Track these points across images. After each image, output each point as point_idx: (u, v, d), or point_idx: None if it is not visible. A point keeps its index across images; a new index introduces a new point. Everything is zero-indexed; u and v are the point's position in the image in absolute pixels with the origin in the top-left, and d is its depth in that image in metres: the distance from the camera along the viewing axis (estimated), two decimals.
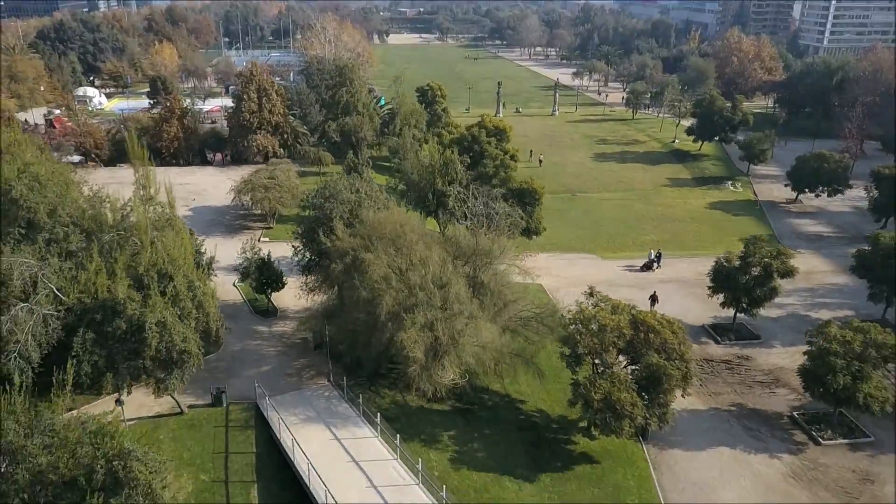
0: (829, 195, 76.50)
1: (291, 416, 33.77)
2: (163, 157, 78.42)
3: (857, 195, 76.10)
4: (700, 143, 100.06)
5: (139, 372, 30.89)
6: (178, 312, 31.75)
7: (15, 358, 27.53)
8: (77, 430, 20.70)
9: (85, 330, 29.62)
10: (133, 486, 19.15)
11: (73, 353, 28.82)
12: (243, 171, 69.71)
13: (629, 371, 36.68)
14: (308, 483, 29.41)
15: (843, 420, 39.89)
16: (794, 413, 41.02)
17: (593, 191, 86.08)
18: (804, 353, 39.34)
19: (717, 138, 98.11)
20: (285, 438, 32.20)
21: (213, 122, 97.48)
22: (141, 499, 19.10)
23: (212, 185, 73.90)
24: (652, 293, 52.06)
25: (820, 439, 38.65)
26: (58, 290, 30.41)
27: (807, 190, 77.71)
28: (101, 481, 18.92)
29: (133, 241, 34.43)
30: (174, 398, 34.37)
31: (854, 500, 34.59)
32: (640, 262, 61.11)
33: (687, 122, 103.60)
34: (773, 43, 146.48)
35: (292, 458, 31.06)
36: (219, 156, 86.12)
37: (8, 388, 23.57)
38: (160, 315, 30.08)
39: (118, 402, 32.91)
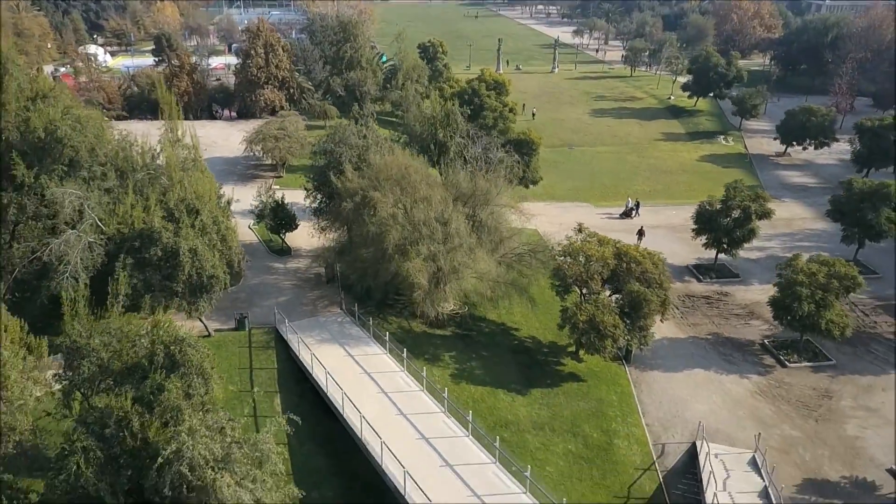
0: (815, 148, 79.50)
1: (308, 338, 37.50)
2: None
3: (843, 148, 78.98)
4: (695, 99, 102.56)
5: (172, 295, 34.47)
6: (206, 242, 35.26)
7: (67, 277, 31.16)
8: (136, 325, 24.43)
9: (125, 256, 33.14)
10: (188, 366, 22.94)
11: (115, 276, 32.38)
12: (252, 125, 72.65)
13: (613, 299, 40.46)
14: (326, 390, 33.29)
15: (808, 346, 43.79)
16: (765, 340, 44.95)
17: (589, 145, 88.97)
18: (774, 285, 43.06)
19: (711, 94, 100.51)
20: (304, 355, 36.03)
21: (218, 80, 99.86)
22: (195, 377, 22.91)
23: (222, 138, 76.86)
24: (639, 228, 56.03)
25: (786, 362, 42.61)
26: (99, 220, 33.92)
27: (795, 143, 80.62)
28: (161, 363, 22.69)
29: (162, 179, 37.80)
30: (202, 321, 38.11)
31: (812, 413, 38.64)
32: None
33: (683, 79, 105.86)
34: (773, 1, 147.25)
35: (311, 371, 34.92)
36: (226, 111, 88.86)
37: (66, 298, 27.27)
38: (192, 243, 33.62)
39: None
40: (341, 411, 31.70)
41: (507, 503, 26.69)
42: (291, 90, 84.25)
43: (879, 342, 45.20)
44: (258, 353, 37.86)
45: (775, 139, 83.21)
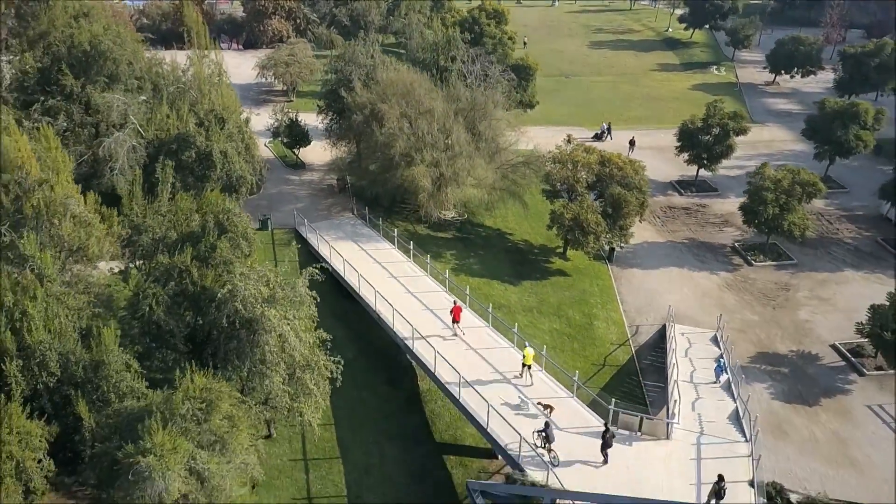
0: (802, 76, 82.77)
1: (325, 235, 42.24)
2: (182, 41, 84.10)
3: (829, 77, 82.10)
4: (691, 30, 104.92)
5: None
6: (234, 148, 39.65)
7: (117, 174, 35.72)
8: (187, 201, 29.08)
9: (164, 158, 37.57)
10: (234, 231, 27.69)
11: (156, 176, 36.88)
12: (260, 54, 75.90)
13: (597, 203, 45.07)
14: (343, 275, 38.18)
15: (773, 248, 48.62)
16: (735, 244, 49.78)
17: (586, 75, 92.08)
18: (744, 192, 47.59)
19: (707, 26, 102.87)
20: (322, 249, 40.80)
21: (223, 14, 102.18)
22: (241, 240, 27.72)
23: (233, 66, 79.48)
24: (631, 138, 60.62)
25: (753, 262, 47.50)
26: (139, 126, 38.27)
27: (783, 72, 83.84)
28: (211, 229, 27.40)
29: (191, 93, 41.94)
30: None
31: (771, 302, 43.69)
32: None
33: (681, 12, 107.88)
34: None
35: (329, 261, 39.74)
36: (233, 43, 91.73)
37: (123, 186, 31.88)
38: (222, 146, 38.04)
39: None
40: (357, 290, 36.64)
41: (497, 350, 31.84)
42: (298, 20, 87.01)
43: (839, 245, 50.02)
44: (281, 248, 42.60)
45: (765, 69, 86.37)
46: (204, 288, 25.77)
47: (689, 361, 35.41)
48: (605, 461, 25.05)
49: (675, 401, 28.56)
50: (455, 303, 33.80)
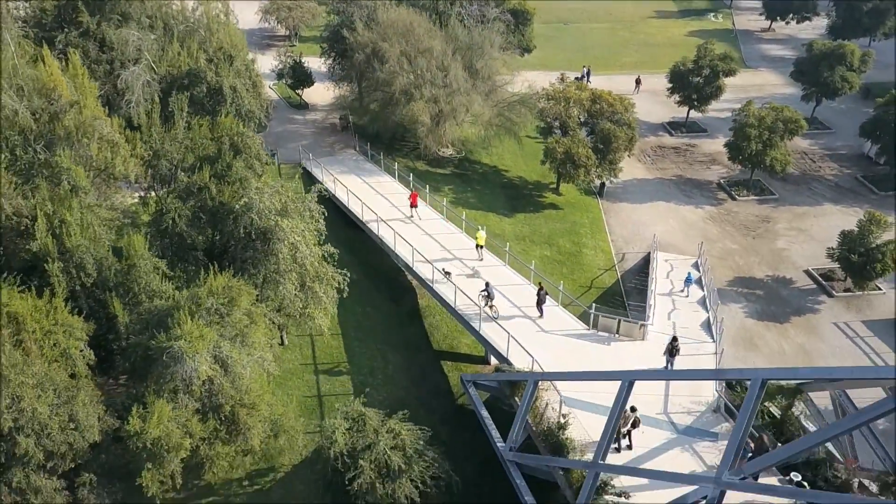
0: (798, 22, 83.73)
1: (329, 169, 44.55)
2: None
3: (825, 23, 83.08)
4: None
5: None
6: (242, 84, 41.66)
7: (133, 106, 37.87)
8: (204, 126, 31.37)
9: (176, 93, 39.61)
10: (248, 151, 30.09)
11: (170, 110, 38.98)
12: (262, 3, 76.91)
13: (588, 139, 47.24)
14: (347, 205, 40.62)
15: (757, 184, 50.93)
16: (721, 180, 52.06)
17: (584, 21, 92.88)
18: (730, 129, 49.69)
19: None
20: (326, 181, 43.16)
21: None
22: (254, 160, 30.17)
23: (236, 11, 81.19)
24: (637, 77, 62.41)
25: (737, 196, 49.88)
26: (152, 62, 40.25)
27: (779, 18, 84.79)
28: (227, 149, 29.76)
29: (200, 32, 43.74)
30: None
31: (751, 233, 46.22)
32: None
33: None
34: None
35: (333, 192, 42.14)
36: None
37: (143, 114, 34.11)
38: (232, 81, 40.08)
39: None
40: (360, 217, 39.13)
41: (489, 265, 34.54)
42: None
43: (820, 182, 52.32)
44: (286, 181, 44.76)
45: (761, 15, 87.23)
46: (222, 203, 28.24)
47: (670, 282, 37.97)
48: (541, 315, 30.59)
49: (651, 306, 31.30)
50: (413, 189, 38.92)
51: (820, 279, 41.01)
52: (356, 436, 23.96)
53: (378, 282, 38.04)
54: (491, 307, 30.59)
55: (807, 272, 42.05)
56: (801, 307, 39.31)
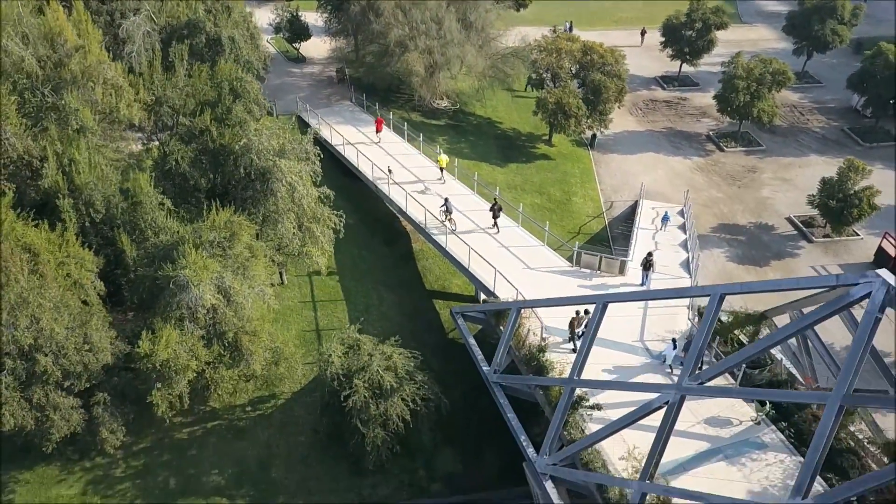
0: None
1: (326, 120, 45.66)
2: None
3: None
4: None
5: None
6: (241, 34, 42.53)
7: (135, 56, 38.87)
8: (204, 72, 32.51)
9: (176, 43, 40.55)
10: (247, 96, 31.35)
11: (170, 60, 39.98)
12: None
13: (579, 91, 48.24)
14: (343, 153, 41.88)
15: (745, 136, 52.06)
16: (710, 132, 53.18)
17: None
18: (719, 81, 50.63)
19: None
20: (323, 130, 44.32)
21: None
22: (253, 104, 31.45)
23: None
24: (642, 28, 64.59)
25: (725, 148, 51.06)
26: (152, 13, 41.11)
27: None
28: (227, 94, 31.00)
29: None
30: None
31: (737, 182, 47.54)
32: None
33: None
34: None
35: (329, 141, 43.32)
36: None
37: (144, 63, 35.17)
38: (230, 32, 40.98)
39: None
40: (356, 165, 40.43)
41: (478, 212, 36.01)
42: None
43: (807, 134, 53.44)
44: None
45: None
46: (222, 145, 29.56)
47: (654, 227, 39.42)
48: (497, 229, 34.15)
49: (633, 244, 32.86)
50: (377, 116, 41.85)
51: (801, 225, 42.46)
52: (351, 359, 25.68)
53: (373, 227, 39.52)
54: (449, 220, 33.97)
55: (788, 219, 43.48)
56: (780, 252, 40.82)
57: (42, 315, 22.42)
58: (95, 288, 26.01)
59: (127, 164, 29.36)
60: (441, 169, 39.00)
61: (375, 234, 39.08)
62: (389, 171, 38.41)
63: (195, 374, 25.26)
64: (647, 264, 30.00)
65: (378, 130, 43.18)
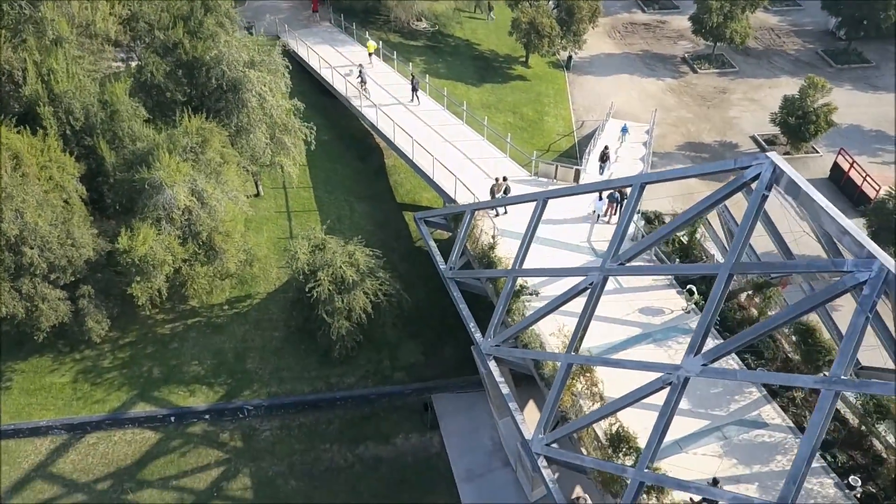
0: None
1: (304, 40, 46.45)
2: None
3: None
4: None
5: None
6: None
7: None
8: None
9: None
10: (219, 11, 32.43)
11: None
12: None
13: (553, 12, 48.88)
14: (319, 71, 42.97)
15: (719, 58, 52.87)
16: (686, 54, 53.94)
17: None
18: (694, 2, 51.12)
19: None
20: (301, 51, 45.24)
21: None
22: (224, 18, 32.53)
23: None
24: None
25: (698, 69, 51.96)
26: None
27: None
28: (199, 8, 32.08)
29: None
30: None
31: (707, 103, 48.70)
32: None
33: None
34: None
35: (307, 61, 44.33)
36: None
37: None
38: None
39: None
40: (332, 83, 41.60)
41: (450, 126, 37.45)
42: None
43: (781, 56, 54.20)
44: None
45: None
46: (195, 57, 30.78)
47: (618, 142, 40.92)
48: (416, 101, 39.24)
49: (588, 153, 34.51)
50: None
51: (763, 143, 43.89)
52: (317, 256, 27.67)
53: (348, 142, 41.04)
54: (364, 89, 39.17)
55: (753, 138, 44.88)
56: None
57: (26, 210, 24.25)
58: (77, 191, 27.74)
59: (105, 76, 30.60)
60: (370, 54, 43.59)
61: (349, 149, 40.62)
62: (362, 82, 40.02)
63: (172, 271, 27.26)
64: (604, 157, 33.37)
65: (314, 10, 50.36)
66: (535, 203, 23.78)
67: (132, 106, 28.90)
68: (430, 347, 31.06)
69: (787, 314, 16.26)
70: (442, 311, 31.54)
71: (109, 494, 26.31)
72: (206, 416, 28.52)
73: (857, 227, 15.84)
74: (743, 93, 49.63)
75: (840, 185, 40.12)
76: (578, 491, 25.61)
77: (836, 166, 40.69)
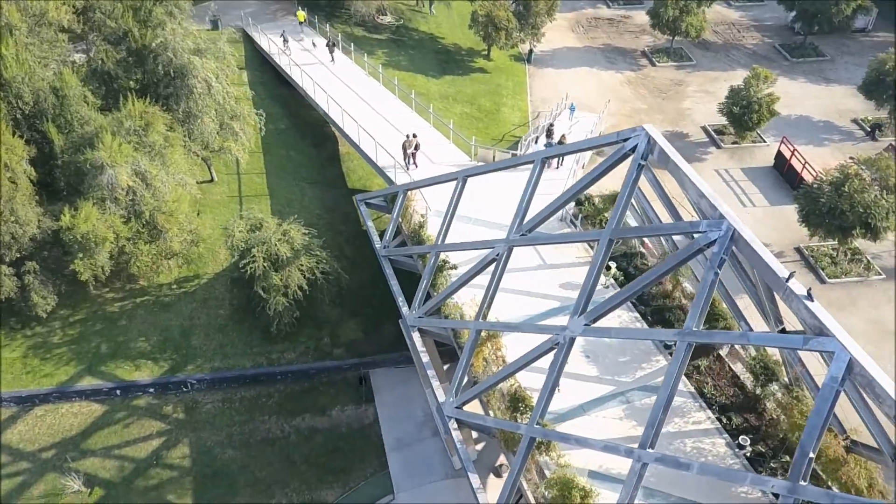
0: None
1: (270, 34, 47.59)
2: None
3: None
4: None
5: None
6: None
7: None
8: None
9: None
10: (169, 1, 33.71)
11: None
12: None
13: (511, 3, 50.00)
14: (279, 63, 44.09)
15: (678, 51, 54.00)
16: (646, 48, 55.09)
17: None
18: None
19: None
20: (265, 44, 46.39)
21: None
22: (173, 6, 33.71)
23: None
24: None
25: (656, 62, 53.09)
26: None
27: None
28: None
29: None
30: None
31: (662, 95, 49.83)
32: None
33: None
34: None
35: (270, 54, 45.47)
36: None
37: None
38: None
39: None
40: (289, 73, 42.71)
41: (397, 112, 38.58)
42: None
43: (739, 50, 55.33)
44: (230, 45, 48.02)
45: None
46: (144, 45, 31.94)
47: (569, 128, 41.96)
48: (333, 60, 44.04)
49: (529, 136, 35.68)
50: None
51: (713, 133, 45.01)
52: (254, 235, 28.77)
53: (304, 130, 42.16)
54: (286, 48, 44.03)
55: (703, 128, 45.98)
56: (690, 156, 43.36)
57: None
58: (26, 172, 28.84)
59: (63, 64, 31.73)
60: (300, 23, 47.87)
61: (305, 136, 41.74)
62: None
63: (116, 249, 28.35)
64: (549, 133, 35.13)
65: None
66: (456, 182, 24.94)
67: (80, 91, 29.99)
68: (371, 325, 32.15)
69: (652, 273, 17.37)
70: (384, 291, 32.40)
71: (53, 462, 27.35)
72: (151, 390, 29.58)
73: (713, 193, 16.97)
74: (699, 85, 50.74)
75: (783, 172, 41.22)
76: (502, 459, 26.70)
77: (779, 154, 41.80)
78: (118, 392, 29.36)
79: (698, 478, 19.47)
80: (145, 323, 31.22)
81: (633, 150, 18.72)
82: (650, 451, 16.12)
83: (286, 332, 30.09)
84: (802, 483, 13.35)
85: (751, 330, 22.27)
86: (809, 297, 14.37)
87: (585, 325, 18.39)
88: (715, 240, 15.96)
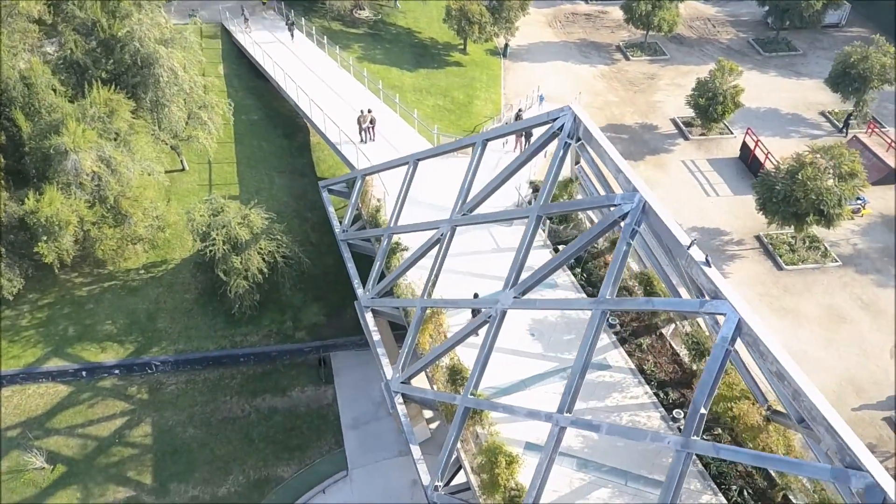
0: None
1: (245, 28, 48.33)
2: None
3: None
4: None
5: None
6: None
7: None
8: None
9: None
10: None
11: None
12: None
13: (485, 1, 50.68)
14: (254, 56, 44.77)
15: (653, 46, 54.68)
16: (620, 43, 55.78)
17: None
18: None
19: None
20: (243, 39, 47.05)
21: None
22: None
23: None
24: None
25: (630, 57, 53.78)
26: None
27: None
28: None
29: None
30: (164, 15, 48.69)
31: (634, 88, 50.51)
32: None
33: None
34: None
35: (246, 48, 46.15)
36: None
37: None
38: None
39: None
40: (262, 65, 43.37)
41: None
42: None
43: (713, 45, 56.02)
44: (207, 40, 48.77)
45: None
46: (112, 35, 32.61)
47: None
48: (293, 38, 46.41)
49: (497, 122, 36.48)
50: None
51: (681, 125, 45.70)
52: (215, 219, 29.44)
53: (276, 121, 42.83)
54: (247, 26, 46.68)
55: (672, 120, 46.67)
56: (657, 148, 44.19)
57: None
58: None
59: (28, 52, 32.42)
60: (263, 3, 50.51)
61: (276, 127, 42.42)
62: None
63: (81, 232, 29.05)
64: (518, 117, 36.63)
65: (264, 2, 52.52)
66: (407, 165, 25.64)
67: (49, 79, 30.66)
68: (333, 309, 32.83)
69: (573, 246, 18.09)
70: (346, 276, 33.22)
71: (17, 441, 28.02)
72: (116, 371, 30.26)
73: (629, 168, 17.66)
74: (671, 79, 51.43)
75: (748, 163, 41.90)
76: None
77: (744, 145, 42.49)
78: (84, 373, 30.04)
79: (631, 448, 20.26)
80: (112, 307, 31.89)
81: (561, 129, 19.32)
82: (567, 415, 16.78)
83: (249, 315, 30.78)
84: (694, 438, 14.03)
85: None
86: (707, 263, 15.06)
87: (515, 297, 19.06)
88: (628, 212, 16.64)
